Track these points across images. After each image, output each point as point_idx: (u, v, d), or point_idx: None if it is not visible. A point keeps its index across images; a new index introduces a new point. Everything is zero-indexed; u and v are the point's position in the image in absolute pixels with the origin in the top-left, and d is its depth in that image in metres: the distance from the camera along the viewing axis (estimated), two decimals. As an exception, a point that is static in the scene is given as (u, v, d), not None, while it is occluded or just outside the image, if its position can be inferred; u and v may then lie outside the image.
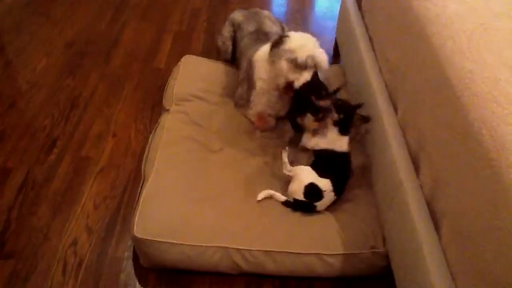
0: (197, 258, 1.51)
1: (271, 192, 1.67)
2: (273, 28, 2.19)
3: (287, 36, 1.81)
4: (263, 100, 1.93)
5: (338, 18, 2.48)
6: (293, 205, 1.63)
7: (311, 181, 1.61)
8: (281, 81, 1.81)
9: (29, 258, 1.60)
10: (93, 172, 1.92)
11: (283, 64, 1.77)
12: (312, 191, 1.60)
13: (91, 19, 2.98)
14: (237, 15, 2.31)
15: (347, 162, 1.71)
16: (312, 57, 1.73)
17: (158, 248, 1.51)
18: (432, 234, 1.22)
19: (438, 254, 1.17)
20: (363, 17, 2.14)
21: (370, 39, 1.98)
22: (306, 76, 1.73)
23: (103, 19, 2.98)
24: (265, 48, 1.90)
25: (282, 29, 2.30)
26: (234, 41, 2.29)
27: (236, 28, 2.27)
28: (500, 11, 1.30)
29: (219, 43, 2.38)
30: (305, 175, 1.64)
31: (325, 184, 1.61)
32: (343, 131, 1.71)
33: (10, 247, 1.63)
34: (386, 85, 1.71)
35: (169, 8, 3.13)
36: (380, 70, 1.79)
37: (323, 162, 1.68)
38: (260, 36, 2.09)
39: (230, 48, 2.31)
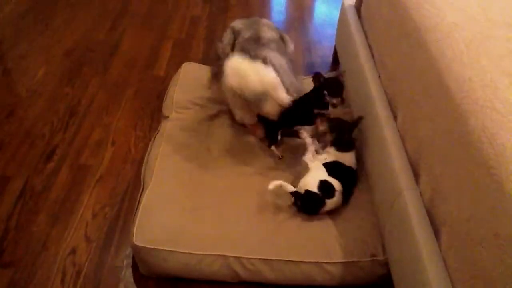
0: (196, 267, 1.51)
1: (283, 183, 1.64)
2: (268, 33, 2.13)
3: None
4: (239, 112, 1.91)
5: (338, 25, 2.49)
6: (303, 196, 1.61)
7: (325, 178, 1.62)
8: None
9: (28, 267, 1.60)
10: (92, 180, 1.92)
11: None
12: (326, 187, 1.61)
13: (90, 27, 2.98)
14: (238, 23, 2.30)
15: (353, 175, 1.73)
16: (259, 92, 1.71)
17: (157, 256, 1.50)
18: (432, 241, 1.21)
19: (438, 262, 1.17)
20: (362, 25, 2.15)
21: (370, 46, 1.99)
22: (269, 105, 1.74)
23: (102, 27, 2.98)
24: (234, 57, 1.83)
25: (281, 37, 2.28)
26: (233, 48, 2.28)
27: (236, 35, 2.26)
28: (498, 20, 1.30)
29: (219, 50, 2.37)
30: (320, 172, 1.66)
31: (337, 184, 1.63)
32: (343, 149, 1.73)
33: (8, 256, 1.63)
34: (386, 93, 1.71)
35: (169, 16, 3.14)
36: (379, 77, 1.79)
37: (333, 170, 1.69)
38: (251, 41, 2.05)
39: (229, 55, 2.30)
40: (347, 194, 1.67)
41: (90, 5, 3.24)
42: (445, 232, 1.17)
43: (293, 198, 1.63)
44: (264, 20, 2.30)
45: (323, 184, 1.61)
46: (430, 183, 1.28)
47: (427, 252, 1.19)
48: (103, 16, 3.11)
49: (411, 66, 1.46)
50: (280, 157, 1.88)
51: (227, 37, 2.31)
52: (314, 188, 1.61)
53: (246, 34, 2.16)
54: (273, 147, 1.89)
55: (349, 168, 1.72)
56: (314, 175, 1.65)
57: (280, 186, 1.64)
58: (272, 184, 1.63)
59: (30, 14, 3.09)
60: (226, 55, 2.29)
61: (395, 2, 1.67)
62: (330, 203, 1.62)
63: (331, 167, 1.69)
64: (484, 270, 0.96)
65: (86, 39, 2.86)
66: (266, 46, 2.02)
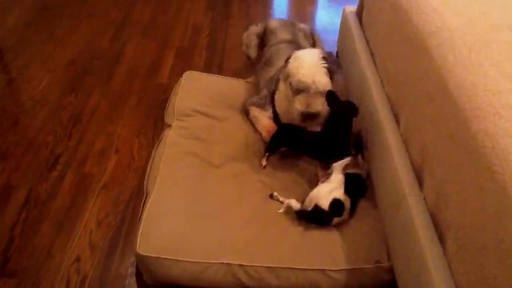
0: (200, 275, 1.50)
1: (291, 201, 1.63)
2: (305, 43, 2.25)
3: (291, 56, 1.81)
4: (282, 105, 1.92)
5: (339, 31, 2.50)
6: (310, 213, 1.60)
7: (338, 197, 1.59)
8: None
9: (32, 276, 1.60)
10: (96, 189, 1.92)
11: (285, 88, 1.81)
12: (337, 206, 1.59)
13: (93, 37, 3.00)
14: (273, 23, 2.40)
15: (364, 188, 1.73)
16: (302, 82, 1.71)
17: (161, 265, 1.50)
18: (437, 247, 1.21)
19: (443, 267, 1.16)
20: (364, 31, 2.15)
21: (371, 52, 1.99)
22: (299, 101, 1.73)
23: (105, 37, 3.00)
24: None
25: (314, 44, 2.39)
26: (262, 45, 2.37)
27: (269, 32, 2.34)
28: (499, 24, 1.31)
29: (244, 36, 2.46)
30: (338, 188, 1.62)
31: (347, 203, 1.60)
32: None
33: (12, 265, 1.63)
34: (388, 98, 1.71)
35: (171, 25, 3.16)
36: (381, 82, 1.79)
37: (349, 185, 1.66)
38: (297, 48, 2.07)
39: (253, 43, 2.40)
40: (354, 206, 1.65)
41: (93, 15, 3.26)
42: (449, 237, 1.17)
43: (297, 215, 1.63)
44: (300, 25, 2.43)
45: (335, 203, 1.58)
46: (434, 188, 1.27)
47: (432, 257, 1.19)
48: (106, 25, 3.13)
49: (413, 71, 1.46)
50: (263, 166, 1.88)
51: (257, 28, 2.40)
52: (325, 204, 1.58)
53: (284, 35, 2.20)
54: (264, 158, 1.88)
55: (362, 180, 1.71)
56: (331, 189, 1.61)
57: (288, 205, 1.64)
58: (283, 207, 1.64)
59: (34, 24, 3.11)
60: (250, 42, 2.36)
61: (396, 7, 1.68)
62: (337, 220, 1.60)
63: (349, 180, 1.65)
64: (490, 275, 0.96)
65: (89, 49, 2.87)
66: None
